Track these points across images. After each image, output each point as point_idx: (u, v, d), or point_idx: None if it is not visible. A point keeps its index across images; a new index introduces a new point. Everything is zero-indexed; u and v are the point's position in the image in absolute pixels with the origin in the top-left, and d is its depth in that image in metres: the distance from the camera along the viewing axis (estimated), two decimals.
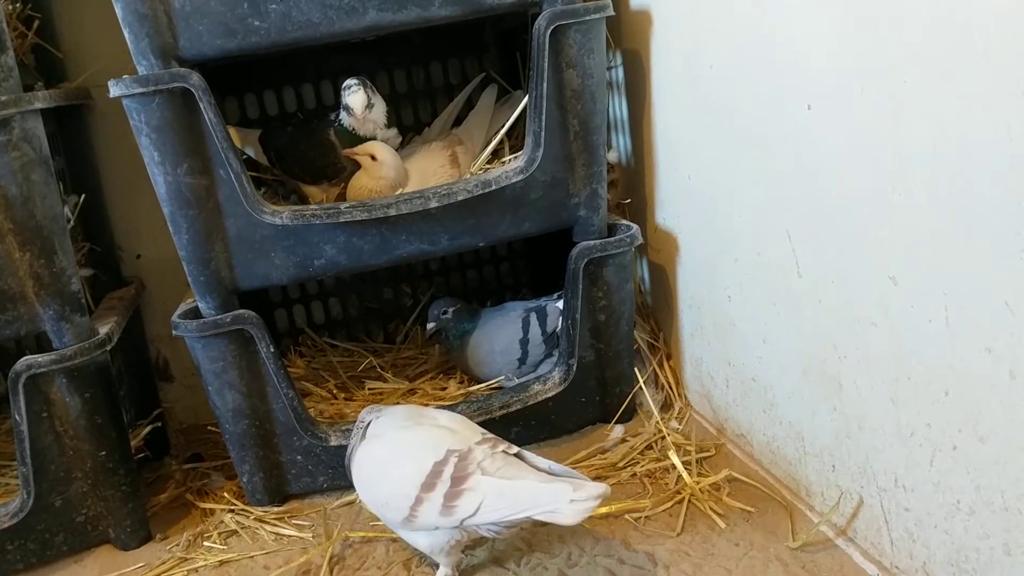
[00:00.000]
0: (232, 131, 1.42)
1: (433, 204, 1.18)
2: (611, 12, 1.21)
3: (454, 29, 1.48)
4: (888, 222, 0.83)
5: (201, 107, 1.10)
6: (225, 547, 1.21)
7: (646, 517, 1.13)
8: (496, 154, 1.39)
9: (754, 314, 1.15)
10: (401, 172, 1.34)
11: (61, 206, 1.17)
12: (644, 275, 1.54)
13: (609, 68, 1.46)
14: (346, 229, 1.20)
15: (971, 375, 0.76)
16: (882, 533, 0.94)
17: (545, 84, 1.19)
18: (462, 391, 1.47)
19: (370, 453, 1.04)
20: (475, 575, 1.07)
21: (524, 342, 1.40)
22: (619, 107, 1.50)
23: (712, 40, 1.13)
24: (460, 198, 1.19)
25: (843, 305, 0.94)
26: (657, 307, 1.51)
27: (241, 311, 1.20)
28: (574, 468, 1.25)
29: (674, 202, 1.35)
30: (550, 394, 1.33)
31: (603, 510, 1.14)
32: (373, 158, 1.32)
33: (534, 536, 1.11)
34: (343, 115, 1.35)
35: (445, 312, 1.45)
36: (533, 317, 1.41)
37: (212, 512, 1.31)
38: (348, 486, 1.29)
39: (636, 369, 1.39)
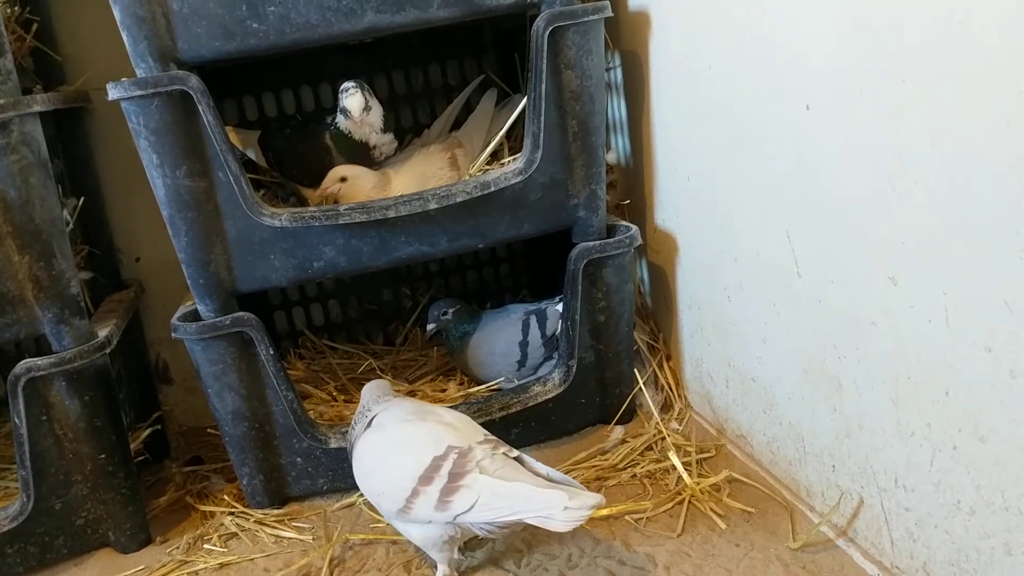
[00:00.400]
0: (232, 133, 1.43)
1: (432, 206, 1.18)
2: (610, 13, 1.21)
3: (452, 31, 1.48)
4: (888, 222, 0.83)
5: (200, 109, 1.10)
6: (225, 550, 1.21)
7: (646, 518, 1.13)
8: (495, 156, 1.39)
9: (754, 314, 1.14)
10: (376, 175, 1.34)
11: (60, 209, 1.17)
12: (644, 276, 1.54)
13: (608, 69, 1.46)
14: (345, 231, 1.20)
15: (971, 375, 0.76)
16: (882, 533, 0.94)
17: (544, 85, 1.19)
18: (462, 393, 1.47)
19: (372, 443, 1.06)
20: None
21: (524, 344, 1.40)
22: (618, 108, 1.50)
23: (711, 41, 1.13)
24: (459, 200, 1.19)
25: (843, 305, 0.94)
26: (657, 308, 1.51)
27: (240, 313, 1.20)
28: (574, 469, 1.26)
29: (673, 203, 1.35)
30: (550, 395, 1.33)
31: (603, 511, 1.14)
32: (343, 180, 1.31)
33: (534, 537, 1.11)
34: (339, 118, 1.34)
35: (445, 313, 1.45)
36: (533, 320, 1.41)
37: (212, 515, 1.31)
38: (348, 488, 1.29)
39: (636, 370, 1.39)
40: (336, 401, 1.50)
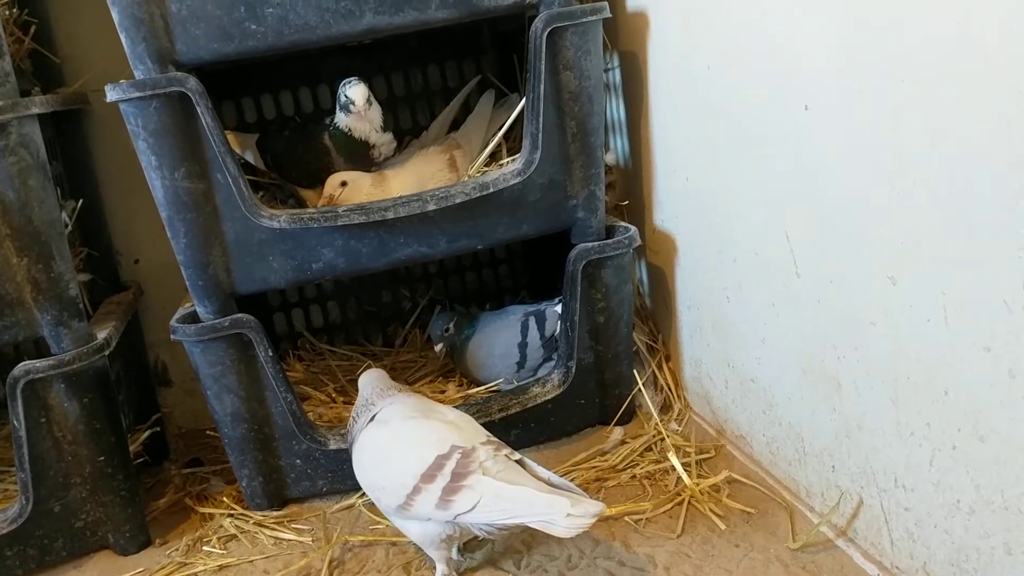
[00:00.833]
0: (230, 136, 1.42)
1: (431, 207, 1.18)
2: (608, 14, 1.21)
3: (451, 32, 1.48)
4: (887, 222, 0.83)
5: (198, 111, 1.10)
6: (224, 552, 1.21)
7: (646, 519, 1.13)
8: (494, 157, 1.39)
9: (753, 315, 1.14)
10: (374, 176, 1.34)
11: (59, 211, 1.17)
12: (643, 277, 1.54)
13: (606, 70, 1.46)
14: (344, 232, 1.20)
15: (970, 374, 0.76)
16: (882, 533, 0.94)
17: (542, 86, 1.19)
18: (461, 394, 1.47)
19: (375, 437, 1.06)
20: None
21: (522, 346, 1.40)
22: (616, 109, 1.50)
23: (709, 41, 1.13)
24: (458, 201, 1.19)
25: (842, 305, 0.94)
26: (656, 308, 1.51)
27: (239, 315, 1.20)
28: (574, 470, 1.26)
29: (672, 203, 1.35)
30: (549, 396, 1.33)
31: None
32: (344, 184, 1.31)
33: (533, 538, 1.11)
34: (339, 115, 1.33)
35: (447, 329, 1.46)
36: (532, 321, 1.41)
37: (211, 517, 1.31)
38: (348, 490, 1.29)
39: (635, 371, 1.39)
40: (335, 403, 1.50)
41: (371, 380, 1.15)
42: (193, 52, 1.11)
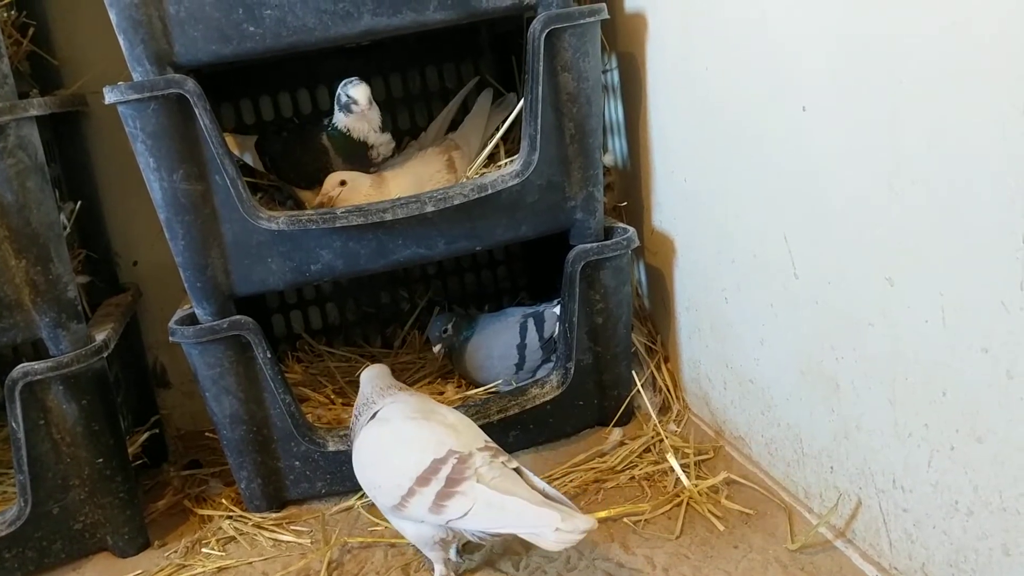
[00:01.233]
0: (228, 137, 1.43)
1: (429, 208, 1.18)
2: (606, 15, 1.21)
3: (449, 33, 1.48)
4: (884, 222, 0.83)
5: (196, 113, 1.10)
6: (223, 553, 1.21)
7: (645, 520, 1.13)
8: (492, 158, 1.39)
9: (751, 316, 1.14)
10: (373, 178, 1.34)
11: (57, 213, 1.17)
12: (641, 278, 1.54)
13: (604, 71, 1.46)
14: (342, 234, 1.20)
15: (968, 375, 0.76)
16: (881, 534, 0.94)
17: (540, 87, 1.19)
18: (460, 395, 1.47)
19: (374, 436, 1.06)
20: None
21: (521, 347, 1.41)
22: (615, 110, 1.50)
23: (707, 42, 1.13)
24: (456, 202, 1.19)
25: (840, 306, 0.94)
26: (654, 310, 1.51)
27: (238, 317, 1.20)
28: (572, 471, 1.26)
29: (671, 204, 1.35)
30: (548, 398, 1.33)
31: (602, 514, 1.14)
32: (343, 183, 1.31)
33: None
34: (338, 116, 1.33)
35: (446, 330, 1.46)
36: (531, 322, 1.41)
37: (210, 518, 1.30)
38: (346, 491, 1.29)
39: (634, 372, 1.39)
40: (334, 404, 1.50)
41: (373, 376, 1.15)
42: (191, 54, 1.11)
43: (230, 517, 1.29)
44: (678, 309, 1.39)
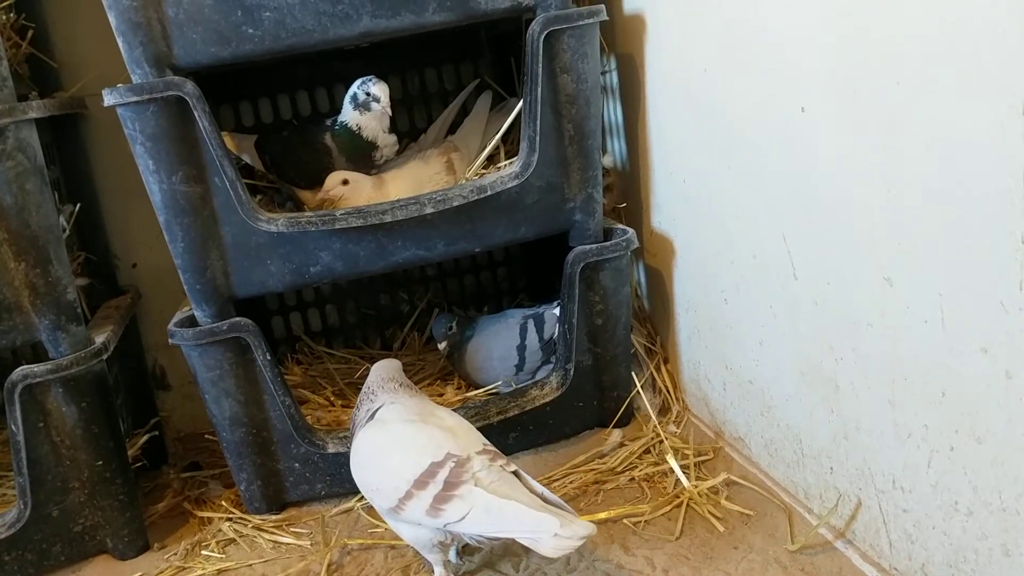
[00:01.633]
0: (228, 137, 1.43)
1: (428, 210, 1.18)
2: (605, 17, 1.21)
3: (448, 35, 1.48)
4: (883, 223, 0.83)
5: (196, 115, 1.10)
6: (223, 556, 1.21)
7: (645, 521, 1.13)
8: (492, 159, 1.39)
9: (751, 317, 1.15)
10: (373, 180, 1.34)
11: (56, 215, 1.17)
12: (640, 279, 1.54)
13: (603, 73, 1.46)
14: (342, 236, 1.20)
15: (967, 376, 0.76)
16: (881, 535, 0.94)
17: (539, 89, 1.19)
18: (459, 397, 1.47)
19: (372, 438, 1.06)
20: None
21: (521, 349, 1.41)
22: (614, 111, 1.50)
23: (705, 43, 1.13)
24: (455, 204, 1.19)
25: (839, 307, 0.94)
26: (654, 311, 1.51)
27: (237, 319, 1.20)
28: (572, 473, 1.26)
29: (670, 205, 1.35)
30: (548, 399, 1.33)
31: (602, 515, 1.14)
32: (346, 183, 1.31)
33: None
34: (351, 114, 1.33)
35: (450, 328, 1.46)
36: (530, 324, 1.41)
37: (210, 521, 1.31)
38: (346, 493, 1.29)
39: (633, 373, 1.39)
40: (334, 406, 1.50)
41: (380, 368, 1.14)
42: (190, 56, 1.11)
43: (230, 519, 1.29)
44: (677, 310, 1.39)
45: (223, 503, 1.33)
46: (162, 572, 1.19)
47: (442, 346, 1.47)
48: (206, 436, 1.50)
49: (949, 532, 0.83)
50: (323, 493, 1.30)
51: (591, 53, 1.21)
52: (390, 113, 1.33)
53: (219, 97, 1.61)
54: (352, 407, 1.47)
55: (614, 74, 1.46)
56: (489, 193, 1.20)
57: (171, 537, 1.29)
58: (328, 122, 1.38)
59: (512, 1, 1.18)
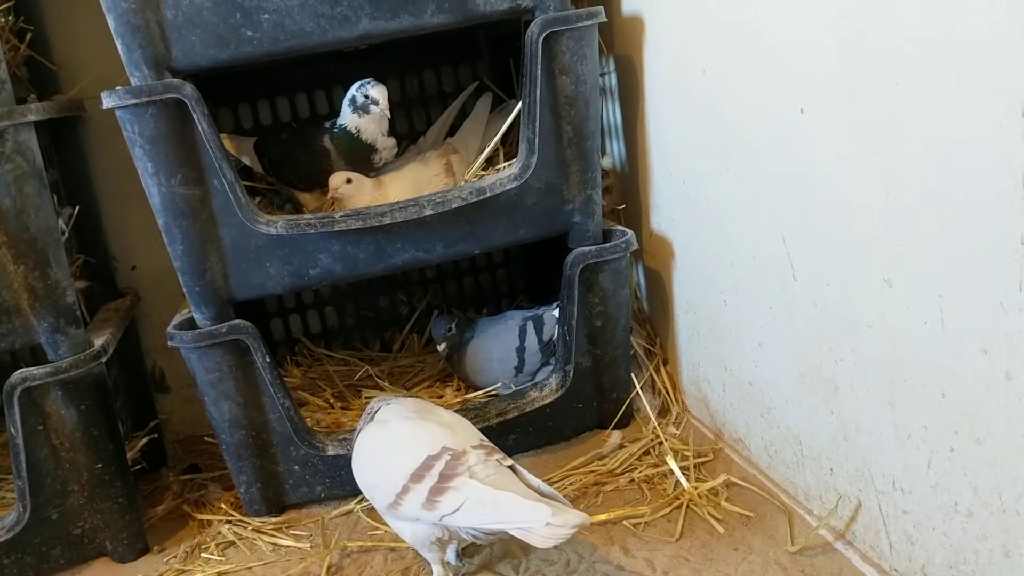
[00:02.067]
0: (227, 139, 1.43)
1: (428, 212, 1.18)
2: (603, 19, 1.21)
3: (447, 37, 1.48)
4: (882, 224, 0.83)
5: (195, 117, 1.10)
6: (223, 558, 1.21)
7: (644, 523, 1.13)
8: (491, 161, 1.39)
9: (750, 318, 1.15)
10: (372, 182, 1.34)
11: (55, 218, 1.17)
12: (640, 280, 1.54)
13: (602, 74, 1.46)
14: (341, 238, 1.20)
15: (967, 377, 0.76)
16: (881, 536, 0.94)
17: (538, 91, 1.19)
18: (459, 399, 1.47)
19: (372, 437, 1.07)
20: None
21: (521, 350, 1.40)
22: (613, 113, 1.50)
23: (704, 45, 1.13)
24: (455, 206, 1.19)
25: (838, 308, 0.94)
26: (653, 312, 1.51)
27: (237, 321, 1.20)
28: (572, 474, 1.26)
29: (669, 207, 1.35)
30: (547, 401, 1.33)
31: (602, 516, 1.14)
32: (349, 181, 1.31)
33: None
34: (350, 117, 1.33)
35: (450, 330, 1.46)
36: (530, 325, 1.41)
37: (210, 523, 1.30)
38: (346, 495, 1.29)
39: (633, 374, 1.39)
40: (333, 408, 1.50)
41: (377, 400, 1.15)
42: (189, 58, 1.11)
43: (229, 522, 1.29)
44: (677, 311, 1.39)
45: (223, 505, 1.33)
46: (162, 575, 1.19)
47: (441, 348, 1.47)
48: (205, 438, 1.50)
49: (949, 533, 0.83)
50: (323, 495, 1.30)
51: (590, 55, 1.21)
52: (388, 116, 1.33)
53: (218, 99, 1.61)
54: (351, 410, 1.48)
55: (613, 76, 1.46)
56: (488, 195, 1.20)
57: (171, 540, 1.28)
58: (327, 124, 1.38)
59: (511, 3, 1.18)
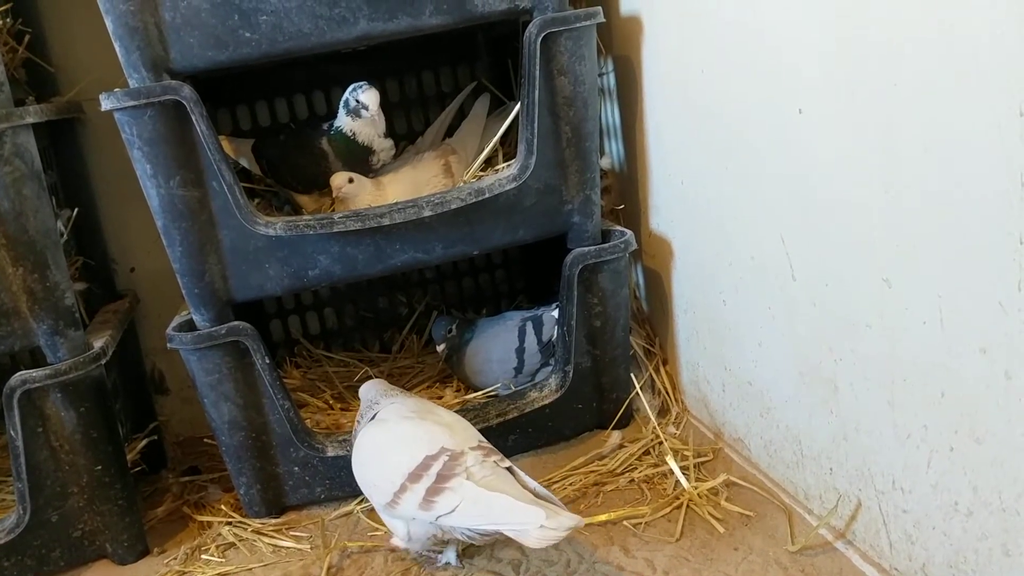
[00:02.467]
0: (225, 141, 1.43)
1: (427, 213, 1.18)
2: (602, 19, 1.21)
3: (446, 37, 1.48)
4: (881, 224, 0.83)
5: (193, 119, 1.10)
6: (223, 560, 1.21)
7: (645, 523, 1.13)
8: (489, 162, 1.39)
9: (749, 318, 1.15)
10: (371, 183, 1.34)
11: (54, 220, 1.17)
12: (639, 281, 1.54)
13: (600, 75, 1.46)
14: (340, 239, 1.20)
15: (966, 376, 0.76)
16: (881, 535, 0.94)
17: (537, 91, 1.19)
18: (458, 399, 1.47)
19: (372, 436, 1.08)
20: None
21: (520, 351, 1.40)
22: (611, 113, 1.50)
23: (703, 45, 1.13)
24: (454, 206, 1.19)
25: (838, 308, 0.94)
26: (652, 312, 1.51)
27: (236, 323, 1.20)
28: (572, 475, 1.26)
29: (668, 207, 1.35)
30: (547, 401, 1.33)
31: (602, 517, 1.14)
32: (351, 181, 1.31)
33: None
34: (345, 119, 1.33)
35: (450, 331, 1.46)
36: (529, 326, 1.41)
37: (210, 525, 1.30)
38: (346, 496, 1.29)
39: (632, 375, 1.39)
40: (333, 409, 1.50)
41: (372, 386, 1.17)
42: (187, 60, 1.11)
43: (229, 523, 1.29)
44: (676, 311, 1.39)
45: (222, 507, 1.33)
46: None
47: (441, 348, 1.47)
48: (205, 440, 1.50)
49: (949, 532, 0.83)
50: (323, 497, 1.30)
51: (588, 55, 1.21)
52: (379, 120, 1.33)
53: (216, 101, 1.61)
54: (351, 410, 1.48)
55: (611, 76, 1.46)
56: (487, 196, 1.20)
57: (171, 541, 1.28)
58: (324, 126, 1.37)
59: (509, 3, 1.18)
